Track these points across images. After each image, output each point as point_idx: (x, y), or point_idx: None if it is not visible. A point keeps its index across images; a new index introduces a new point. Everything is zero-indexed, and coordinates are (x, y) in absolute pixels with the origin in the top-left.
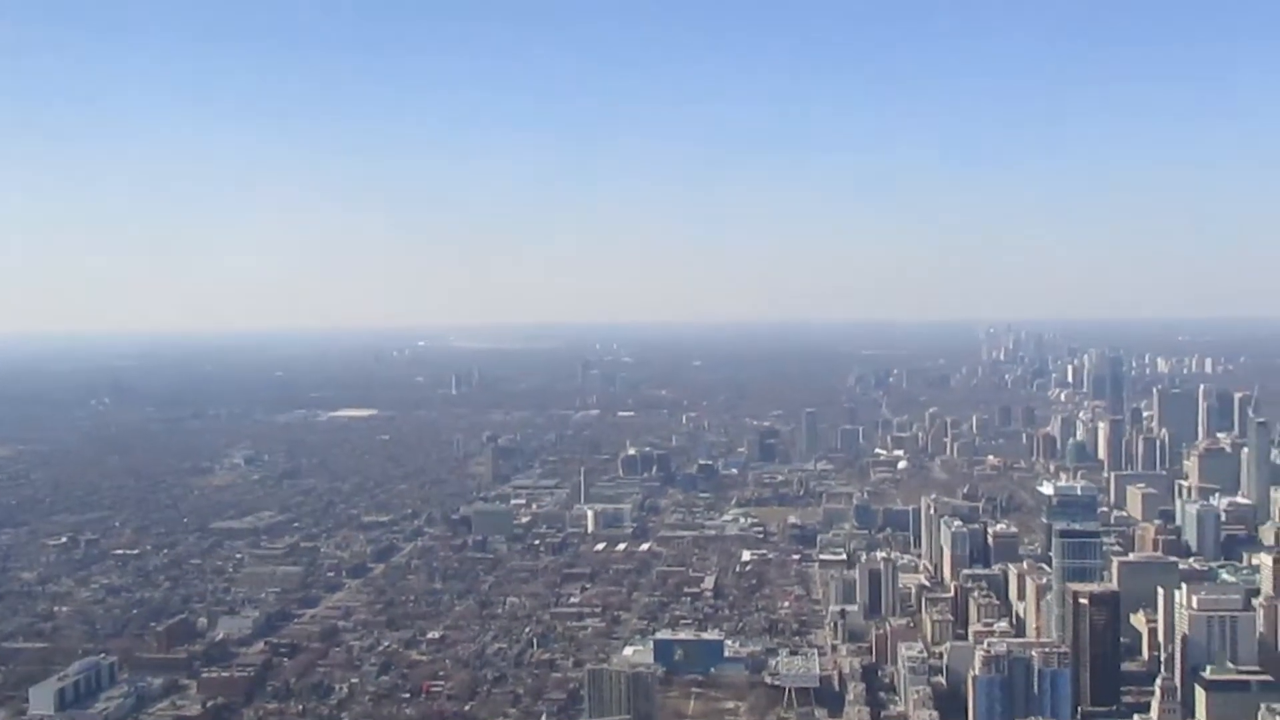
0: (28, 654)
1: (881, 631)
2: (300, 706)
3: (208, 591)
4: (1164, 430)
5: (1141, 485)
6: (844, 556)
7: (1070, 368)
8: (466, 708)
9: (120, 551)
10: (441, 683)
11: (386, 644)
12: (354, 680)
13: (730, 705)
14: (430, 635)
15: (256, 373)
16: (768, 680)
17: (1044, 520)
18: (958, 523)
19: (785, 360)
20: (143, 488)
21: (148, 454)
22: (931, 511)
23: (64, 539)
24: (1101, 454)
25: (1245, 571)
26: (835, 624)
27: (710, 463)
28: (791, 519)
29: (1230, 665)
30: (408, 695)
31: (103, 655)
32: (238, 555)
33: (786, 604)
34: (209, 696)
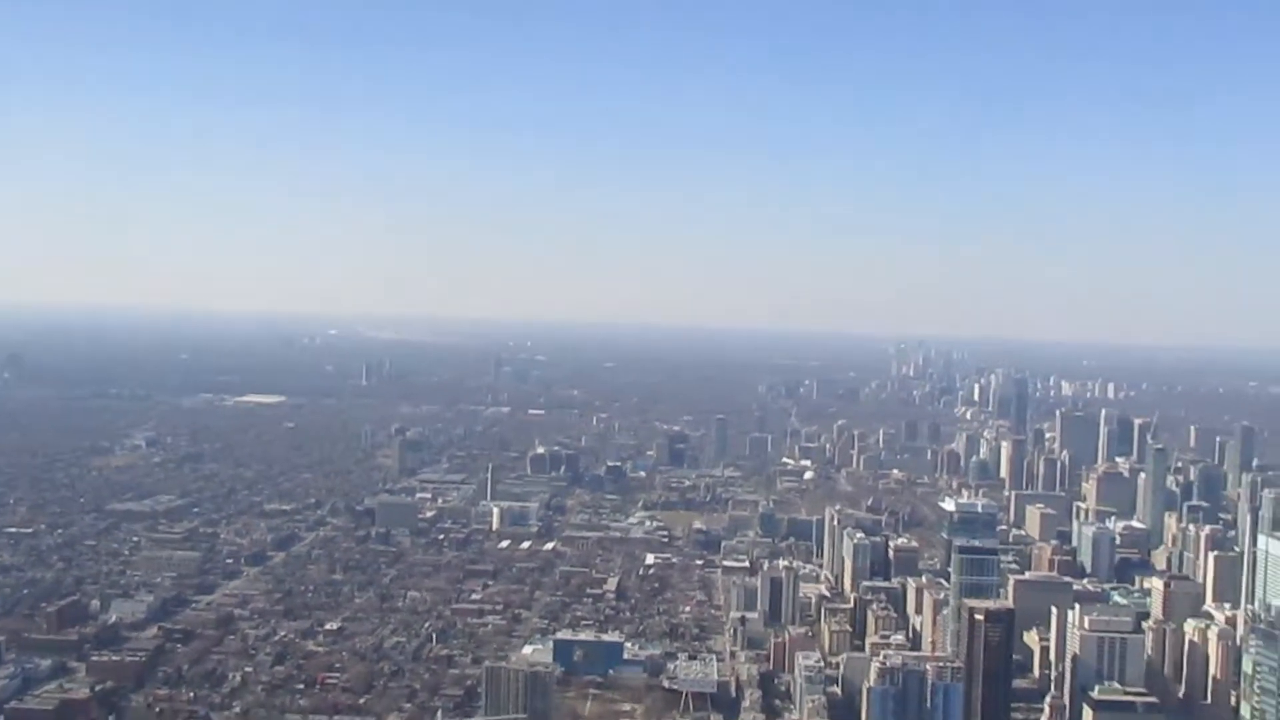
0: None
1: (780, 640)
2: (191, 693)
3: (102, 573)
4: (1065, 452)
5: (1041, 505)
6: (747, 564)
7: (977, 386)
8: (361, 700)
9: (13, 529)
10: (337, 674)
11: (283, 633)
12: (248, 669)
13: (627, 708)
14: (328, 626)
15: (161, 353)
16: (665, 684)
17: (944, 536)
18: (860, 535)
19: (698, 366)
20: (39, 465)
21: (45, 431)
22: (835, 523)
23: None
24: (1003, 472)
25: (1137, 595)
26: (735, 630)
27: (619, 465)
28: (697, 524)
29: (1118, 686)
30: (302, 686)
31: None
32: (134, 538)
33: (688, 609)
34: (98, 680)
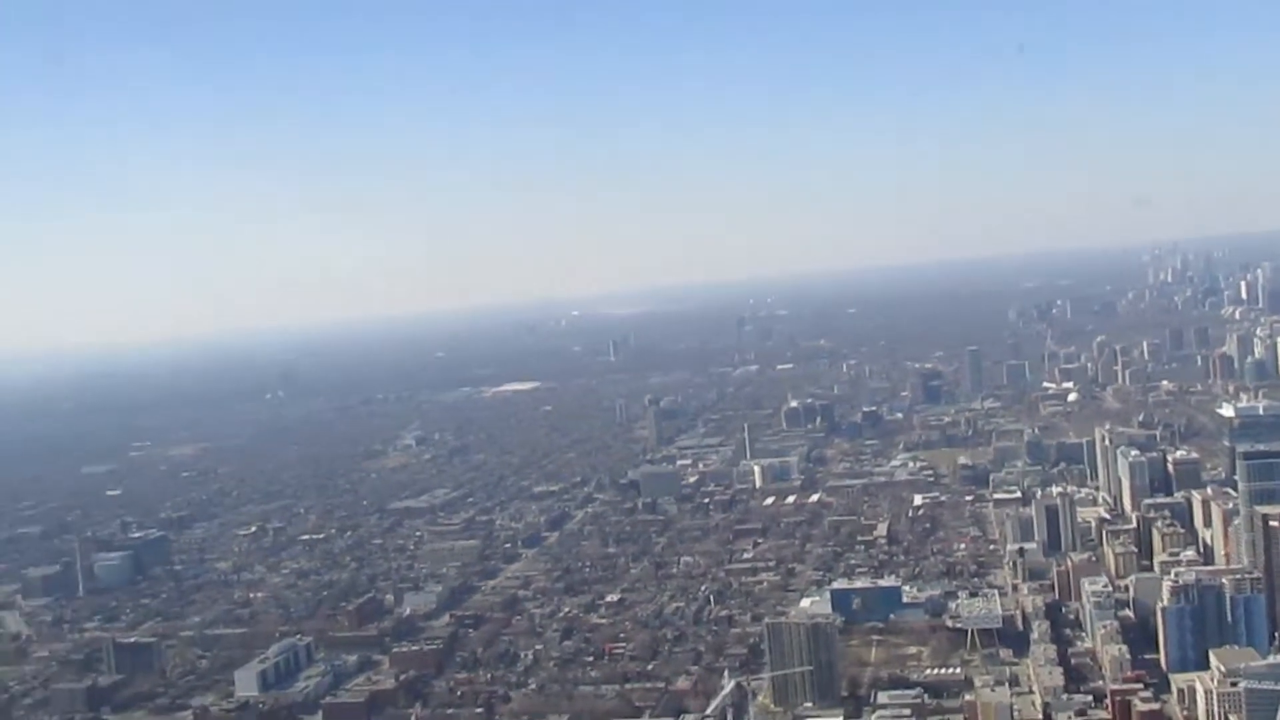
0: (229, 639)
1: (1063, 568)
2: (489, 675)
3: (391, 570)
4: None
5: None
6: (1019, 494)
7: (1243, 283)
8: (649, 667)
9: (306, 537)
10: (623, 644)
11: (566, 610)
12: (538, 647)
13: (912, 650)
14: (608, 599)
15: (417, 356)
16: (949, 623)
17: (1226, 443)
18: (1135, 452)
19: (943, 300)
20: (321, 474)
21: (323, 442)
22: (1106, 442)
23: (253, 529)
24: None
25: None
26: (1014, 563)
27: (874, 409)
28: (962, 460)
29: None
30: (591, 658)
31: (299, 636)
32: (417, 533)
33: (963, 546)
34: (401, 670)
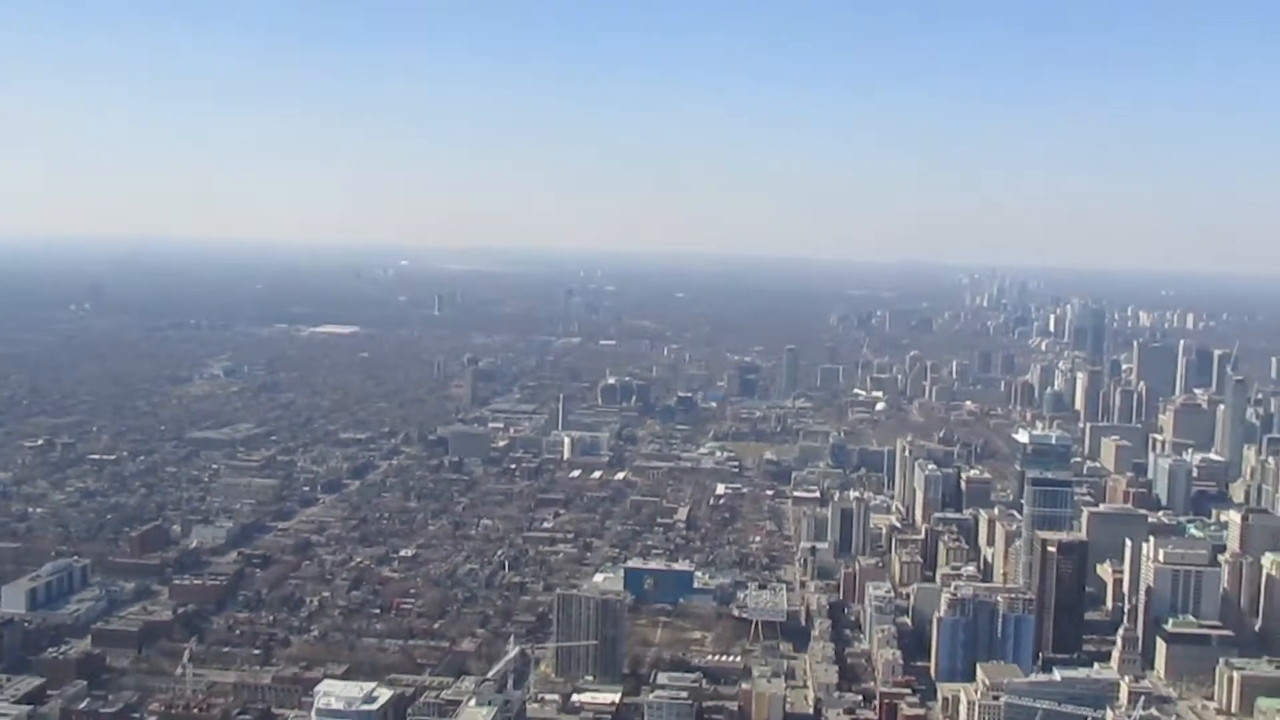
0: (0, 553)
1: (851, 570)
2: (271, 617)
3: (183, 500)
4: (1142, 383)
5: (1116, 437)
6: (818, 494)
7: (1053, 316)
8: (436, 625)
9: (96, 456)
10: (412, 600)
11: (359, 559)
12: (325, 594)
13: (697, 635)
14: (403, 553)
15: (237, 284)
16: (735, 613)
17: (1018, 467)
18: (932, 466)
19: (769, 296)
20: (121, 394)
21: (126, 361)
22: (907, 454)
23: (40, 441)
24: (1079, 404)
25: (1214, 528)
26: (805, 560)
27: (689, 395)
28: (767, 455)
29: (1193, 619)
30: (378, 611)
31: (75, 558)
32: (214, 465)
33: (758, 538)
34: (180, 603)
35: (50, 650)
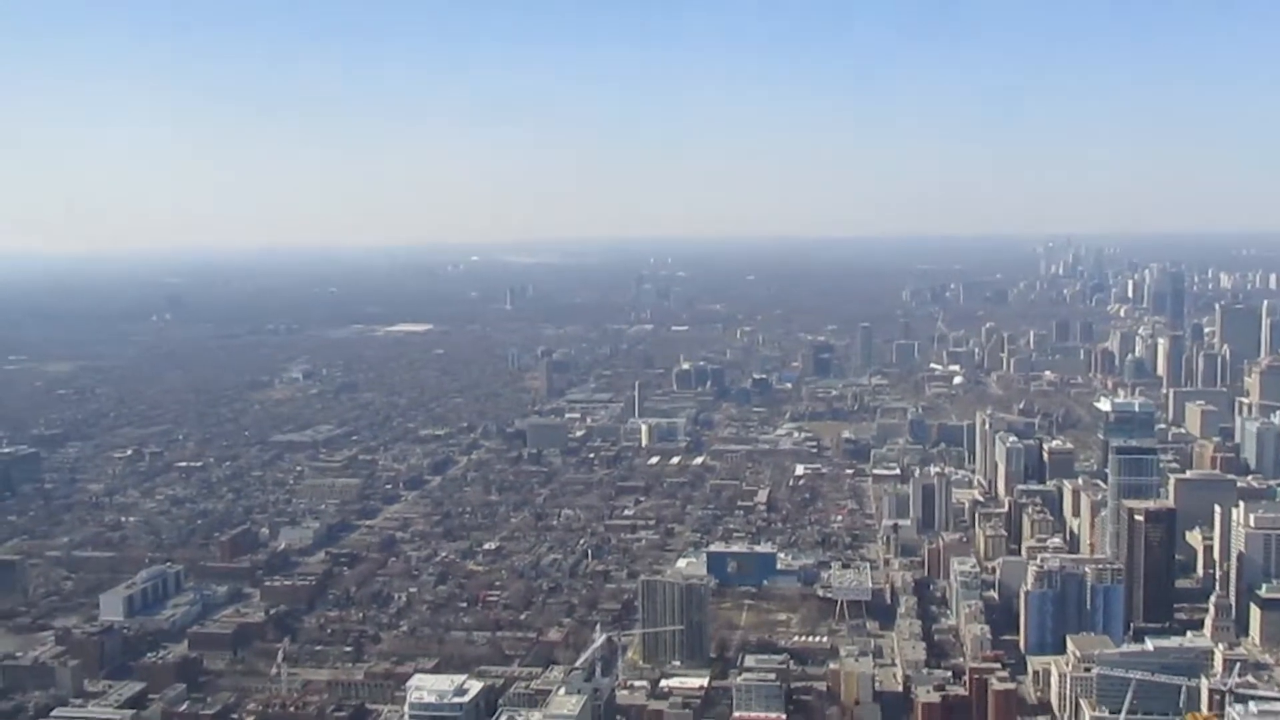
0: (97, 562)
1: (934, 546)
2: (360, 614)
3: (269, 503)
4: (1225, 346)
5: (1201, 402)
6: (898, 471)
7: (1130, 282)
8: (522, 616)
9: (183, 464)
10: (497, 592)
11: (443, 554)
12: (412, 589)
13: (783, 617)
14: (486, 546)
15: (310, 289)
16: (820, 593)
17: (1101, 437)
18: (1013, 438)
19: (840, 275)
20: (204, 402)
21: (207, 369)
22: (987, 427)
23: (129, 452)
24: (1161, 370)
25: None
26: (888, 538)
27: (764, 377)
28: (845, 433)
29: None
30: (465, 604)
31: (169, 564)
32: (298, 468)
33: (840, 518)
34: (272, 604)
35: (149, 655)
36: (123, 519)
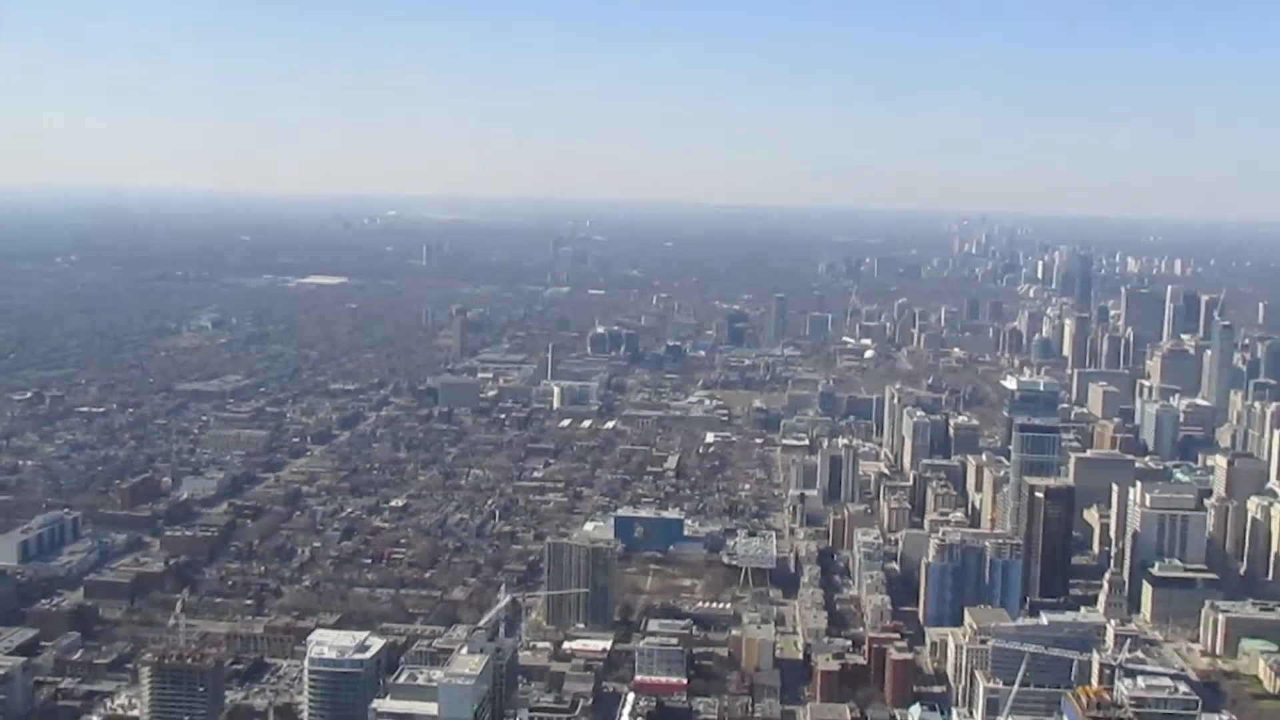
0: None
1: (839, 517)
2: (262, 567)
3: (172, 452)
4: (1129, 329)
5: (1104, 383)
6: (806, 442)
7: (1040, 264)
8: (427, 574)
9: (85, 409)
10: (403, 550)
11: (349, 510)
12: (316, 544)
13: (687, 583)
14: (393, 503)
15: (222, 236)
16: (725, 560)
17: (1006, 414)
18: (920, 413)
19: (757, 245)
20: (109, 347)
21: (114, 313)
22: (895, 401)
23: (29, 394)
24: (1066, 350)
25: (1200, 472)
26: (794, 508)
27: (678, 344)
28: (756, 403)
29: (1178, 563)
30: (369, 560)
31: (66, 510)
32: (203, 417)
33: (747, 486)
34: (172, 554)
35: (43, 602)
36: (20, 463)
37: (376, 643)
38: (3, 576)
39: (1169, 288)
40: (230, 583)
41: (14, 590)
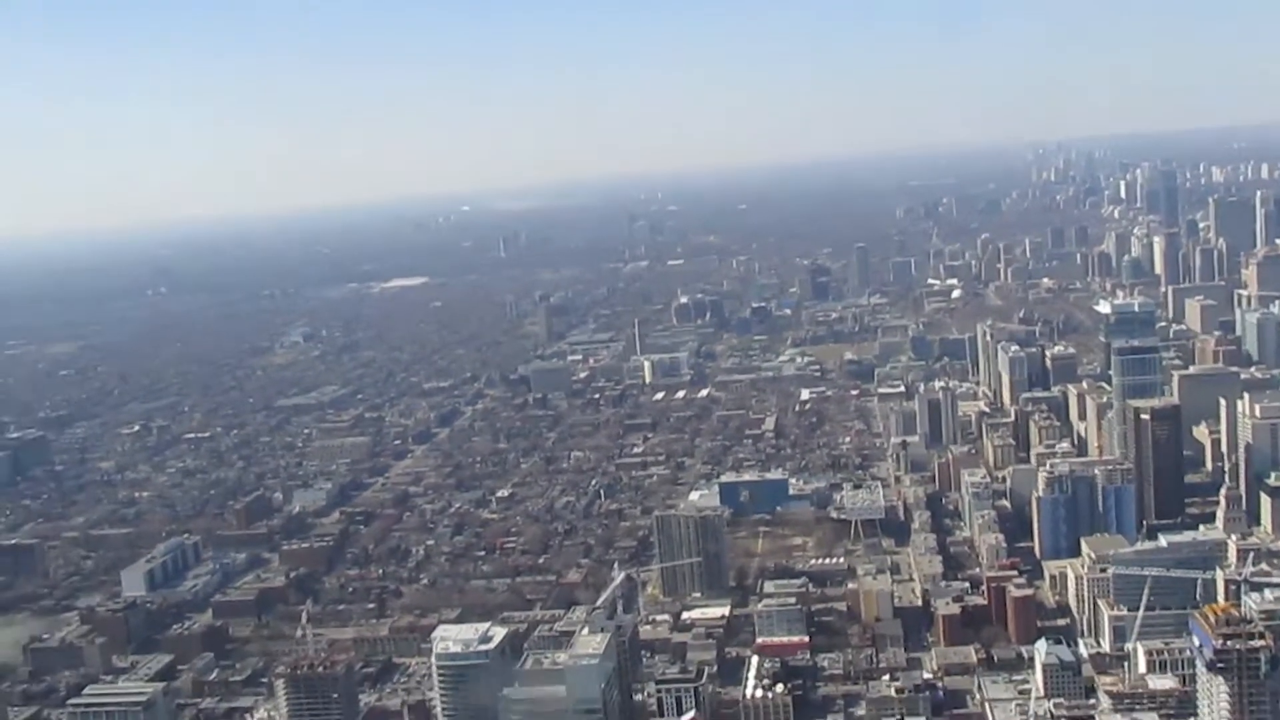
0: (114, 540)
1: (944, 460)
2: (380, 570)
3: (280, 467)
4: (1221, 240)
5: (1200, 297)
6: (902, 389)
7: (1123, 183)
8: (540, 560)
9: (191, 435)
10: (514, 539)
11: (457, 505)
12: (429, 542)
13: (798, 541)
14: (499, 494)
15: (302, 252)
16: (834, 515)
17: (1102, 339)
18: (1015, 347)
19: (831, 198)
20: (206, 372)
21: (207, 339)
22: (988, 338)
23: (136, 427)
24: (1158, 269)
25: None
26: (897, 456)
27: (763, 305)
28: (848, 355)
29: None
30: (482, 553)
31: (186, 535)
32: (305, 430)
33: (848, 439)
34: (291, 567)
35: (175, 627)
36: (136, 495)
37: (499, 632)
38: (134, 607)
39: (1258, 193)
40: (350, 589)
41: (146, 618)
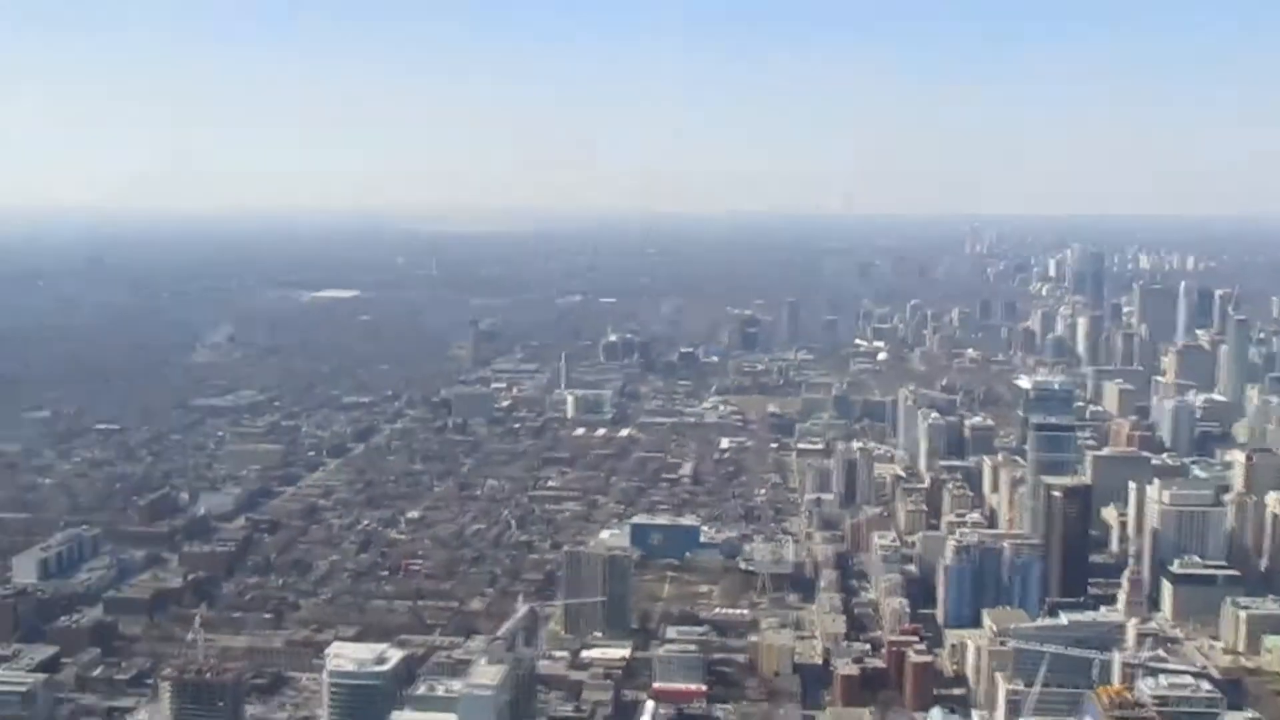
0: (10, 524)
1: (856, 521)
2: (280, 581)
3: (189, 467)
4: (1143, 326)
5: (1119, 381)
6: (821, 446)
7: (1052, 262)
8: (444, 586)
9: (102, 426)
10: (420, 561)
11: (366, 523)
12: (333, 557)
13: (704, 589)
14: (410, 515)
15: (234, 253)
16: (742, 566)
17: (1021, 414)
18: (935, 414)
19: (768, 250)
20: (124, 364)
21: (128, 331)
22: (910, 403)
23: (46, 413)
24: (1080, 349)
25: (1218, 468)
26: (811, 512)
27: (691, 350)
28: (771, 408)
29: (1198, 560)
30: (386, 573)
31: (84, 527)
32: (219, 432)
33: (763, 492)
34: (190, 569)
35: (63, 619)
36: (38, 480)
37: (395, 655)
38: (23, 594)
39: (1182, 283)
40: (248, 597)
41: (34, 608)
